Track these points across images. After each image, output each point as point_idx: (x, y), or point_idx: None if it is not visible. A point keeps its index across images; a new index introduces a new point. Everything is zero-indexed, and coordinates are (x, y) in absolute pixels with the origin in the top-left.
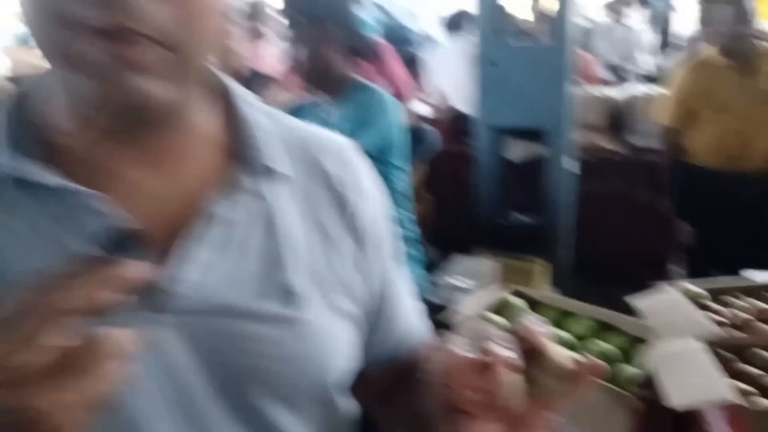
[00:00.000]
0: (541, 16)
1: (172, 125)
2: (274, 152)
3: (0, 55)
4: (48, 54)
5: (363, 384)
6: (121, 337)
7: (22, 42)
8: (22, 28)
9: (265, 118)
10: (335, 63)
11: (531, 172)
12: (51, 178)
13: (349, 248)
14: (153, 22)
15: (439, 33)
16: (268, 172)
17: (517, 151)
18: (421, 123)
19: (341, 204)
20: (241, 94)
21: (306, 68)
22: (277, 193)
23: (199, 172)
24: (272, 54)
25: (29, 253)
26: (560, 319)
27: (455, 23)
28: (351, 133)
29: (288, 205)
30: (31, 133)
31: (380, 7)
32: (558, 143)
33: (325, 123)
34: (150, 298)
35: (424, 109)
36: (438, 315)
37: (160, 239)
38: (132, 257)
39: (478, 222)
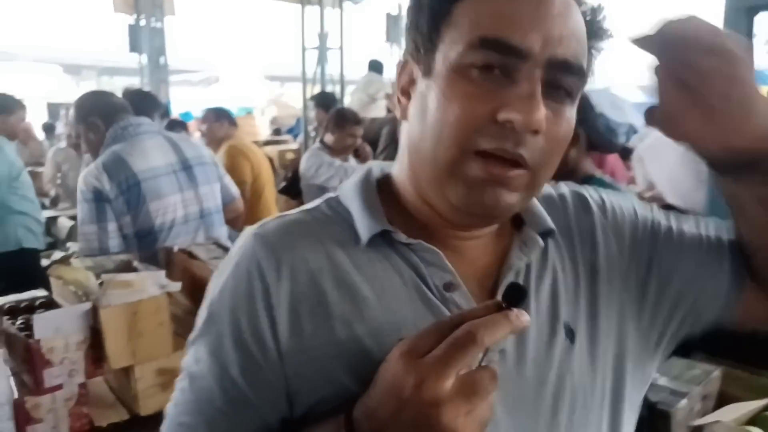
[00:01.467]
0: None
1: (504, 220)
2: (546, 215)
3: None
4: (436, 168)
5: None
6: (494, 371)
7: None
8: (246, 103)
9: None
10: (580, 162)
11: None
12: (408, 238)
13: (612, 261)
14: (532, 152)
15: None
16: (547, 232)
17: None
18: None
19: (590, 234)
20: None
21: None
22: (550, 244)
23: (500, 234)
24: None
25: (398, 290)
26: None
27: None
28: None
29: (555, 252)
30: (393, 205)
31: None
32: None
33: None
34: None
35: None
36: (655, 415)
37: (473, 288)
38: (460, 301)
39: None
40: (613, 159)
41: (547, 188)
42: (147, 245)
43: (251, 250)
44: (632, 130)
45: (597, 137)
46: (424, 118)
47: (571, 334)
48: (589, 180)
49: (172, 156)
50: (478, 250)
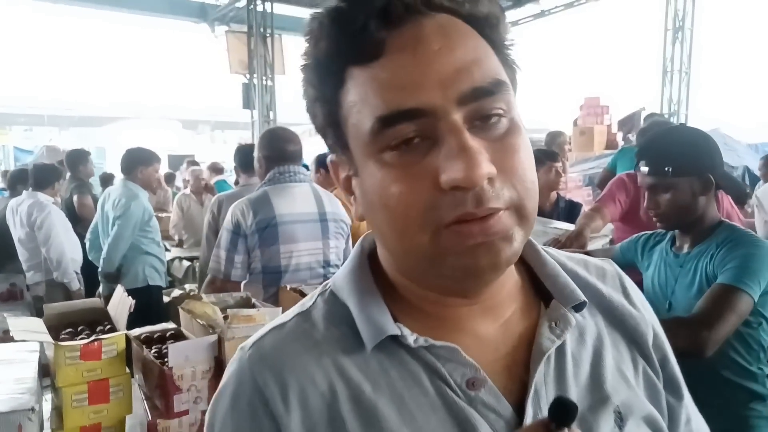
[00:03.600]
0: None
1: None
2: (575, 286)
3: None
4: (418, 260)
5: None
6: None
7: None
8: None
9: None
10: (708, 209)
11: None
12: (416, 337)
13: (634, 357)
14: (500, 196)
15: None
16: (579, 305)
17: None
18: None
19: (620, 321)
20: None
21: (667, 211)
22: (586, 317)
23: (515, 307)
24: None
25: (419, 400)
26: None
27: None
28: (713, 276)
29: (592, 325)
30: (392, 290)
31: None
32: None
33: (675, 257)
34: None
35: None
36: None
37: (502, 379)
38: (489, 400)
39: None
40: (727, 204)
41: (576, 261)
42: (272, 282)
43: (249, 377)
44: (747, 173)
45: (724, 182)
46: (376, 218)
47: (620, 419)
48: (710, 224)
49: (313, 207)
50: (501, 332)
